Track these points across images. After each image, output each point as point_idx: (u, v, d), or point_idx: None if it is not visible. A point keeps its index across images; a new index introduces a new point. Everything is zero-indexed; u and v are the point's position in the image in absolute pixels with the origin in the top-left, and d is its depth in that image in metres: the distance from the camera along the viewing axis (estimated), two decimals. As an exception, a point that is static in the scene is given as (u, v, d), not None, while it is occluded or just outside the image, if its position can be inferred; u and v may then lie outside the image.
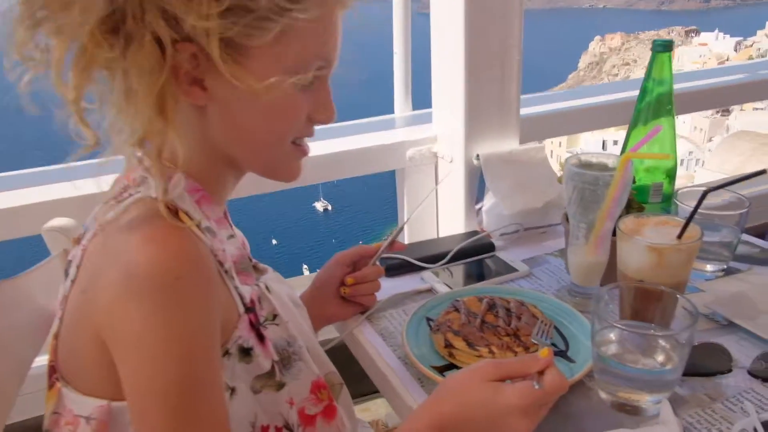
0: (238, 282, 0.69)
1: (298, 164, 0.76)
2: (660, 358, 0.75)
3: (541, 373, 0.65)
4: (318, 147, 1.25)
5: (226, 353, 0.66)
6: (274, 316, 0.74)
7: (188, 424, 0.58)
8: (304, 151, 0.75)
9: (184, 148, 0.62)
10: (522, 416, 0.63)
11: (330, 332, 1.00)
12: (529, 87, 1.44)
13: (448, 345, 0.84)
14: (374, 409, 1.59)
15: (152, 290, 0.57)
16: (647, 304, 0.82)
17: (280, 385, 0.70)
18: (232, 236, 0.73)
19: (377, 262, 0.98)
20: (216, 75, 0.61)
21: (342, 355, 0.92)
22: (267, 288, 0.75)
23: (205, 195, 0.69)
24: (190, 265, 0.59)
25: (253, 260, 0.81)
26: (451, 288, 1.05)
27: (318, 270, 0.99)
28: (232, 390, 0.66)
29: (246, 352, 0.67)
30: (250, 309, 0.69)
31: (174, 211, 0.62)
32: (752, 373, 0.80)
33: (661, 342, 0.76)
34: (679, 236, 0.81)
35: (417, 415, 0.67)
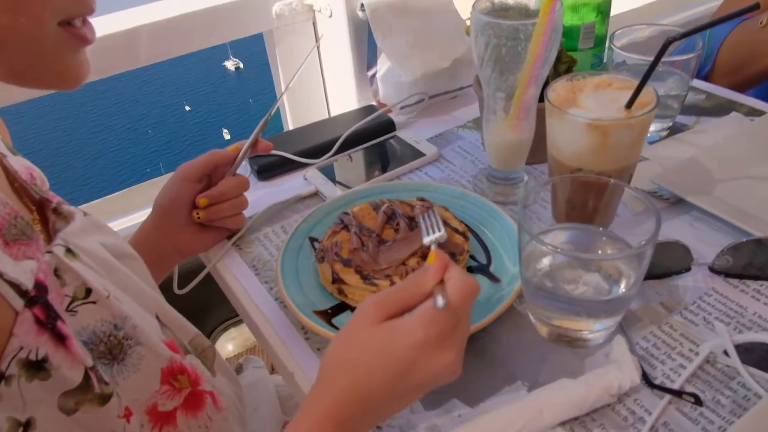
0: (6, 261, 0.44)
1: (77, 59, 0.49)
2: (609, 273, 0.57)
3: (441, 284, 0.46)
4: (145, 13, 0.92)
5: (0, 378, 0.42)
6: (87, 292, 0.50)
7: None
8: (82, 37, 0.48)
9: None
10: (436, 349, 0.45)
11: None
12: None
13: (338, 280, 0.63)
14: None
15: None
16: (586, 199, 0.62)
17: (104, 398, 0.48)
18: None
19: (245, 168, 0.73)
20: None
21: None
22: (70, 251, 0.50)
23: None
24: None
25: (54, 201, 0.55)
26: (345, 186, 0.82)
27: (163, 189, 0.74)
28: (27, 424, 0.44)
29: (37, 366, 0.44)
30: (35, 299, 0.45)
31: None
32: (715, 270, 0.64)
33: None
34: (629, 105, 0.60)
35: (308, 406, 0.47)
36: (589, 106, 0.62)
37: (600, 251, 0.61)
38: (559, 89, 0.64)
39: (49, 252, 0.48)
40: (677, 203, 0.74)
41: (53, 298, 0.45)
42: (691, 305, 0.62)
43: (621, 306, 0.56)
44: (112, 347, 0.50)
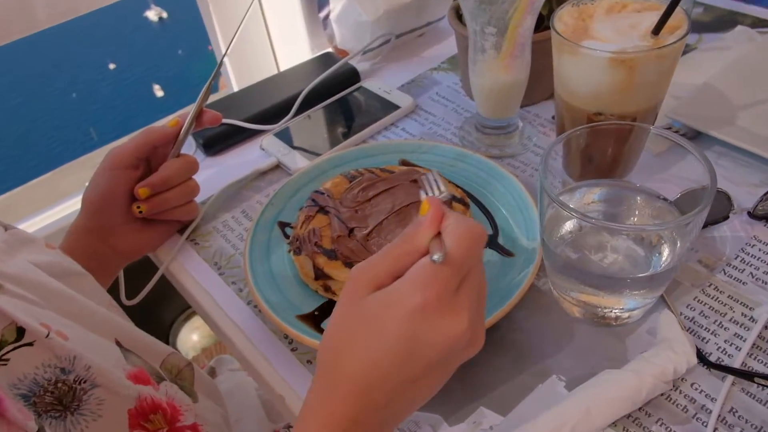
0: None
1: None
2: (642, 236, 0.48)
3: (438, 237, 0.36)
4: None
5: None
6: (20, 333, 0.38)
7: None
8: None
9: None
10: (440, 315, 0.35)
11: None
12: None
13: (322, 275, 0.52)
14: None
15: None
16: (606, 148, 0.53)
17: None
18: None
19: (189, 145, 0.60)
20: None
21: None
22: None
23: None
24: None
25: None
26: (310, 153, 0.70)
27: (91, 182, 0.60)
28: None
29: None
30: None
31: None
32: (756, 215, 0.55)
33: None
34: (657, 30, 0.49)
35: (309, 409, 0.37)
36: (606, 35, 0.51)
37: (636, 212, 0.51)
38: (566, 17, 0.53)
39: None
40: (694, 138, 0.65)
41: None
42: (734, 260, 0.53)
43: (665, 278, 0.47)
44: (62, 396, 0.40)
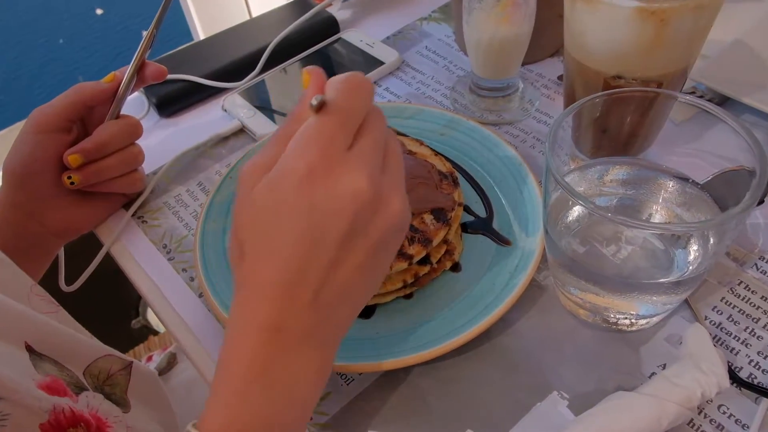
0: None
1: None
2: (676, 235, 0.40)
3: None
4: None
5: None
6: None
7: None
8: None
9: None
10: (331, 176, 0.30)
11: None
12: None
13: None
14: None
15: None
16: (623, 119, 0.44)
17: None
18: None
19: (140, 104, 0.51)
20: None
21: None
22: None
23: None
24: None
25: None
26: (280, 114, 0.61)
27: (12, 148, 0.51)
28: None
29: None
30: None
31: None
32: (795, 200, 0.47)
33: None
34: (695, -25, 0.39)
35: (229, 333, 0.32)
36: (629, -19, 0.42)
37: (660, 199, 0.43)
38: (581, -42, 0.43)
39: None
40: (722, 105, 0.56)
41: None
42: (768, 253, 0.45)
43: (693, 282, 0.39)
44: None
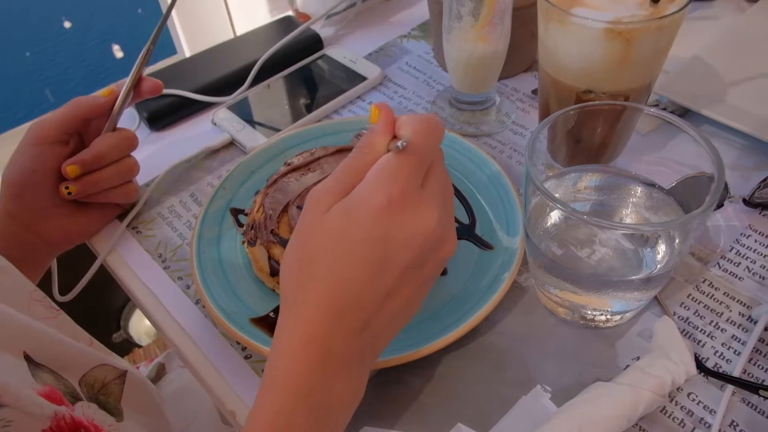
0: None
1: None
2: (645, 236, 0.43)
3: (394, 140, 0.35)
4: None
5: None
6: None
7: None
8: None
9: None
10: (408, 211, 0.32)
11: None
12: None
13: (279, 271, 0.46)
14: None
15: None
16: (595, 130, 0.47)
17: None
18: None
19: (132, 117, 0.53)
20: None
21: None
22: None
23: None
24: None
25: None
26: (269, 128, 0.63)
27: (11, 159, 0.52)
28: None
29: None
30: None
31: None
32: (752, 203, 0.51)
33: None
34: (657, -1, 0.43)
35: (278, 344, 0.33)
36: (599, 2, 0.45)
37: (630, 203, 0.46)
38: (554, -19, 0.47)
39: None
40: (682, 117, 0.60)
41: None
42: (729, 252, 0.49)
43: (662, 279, 0.43)
44: None
